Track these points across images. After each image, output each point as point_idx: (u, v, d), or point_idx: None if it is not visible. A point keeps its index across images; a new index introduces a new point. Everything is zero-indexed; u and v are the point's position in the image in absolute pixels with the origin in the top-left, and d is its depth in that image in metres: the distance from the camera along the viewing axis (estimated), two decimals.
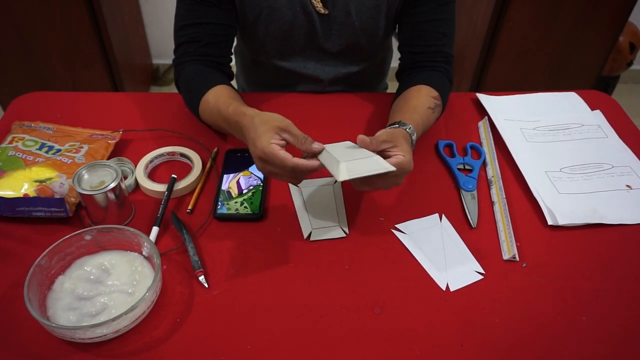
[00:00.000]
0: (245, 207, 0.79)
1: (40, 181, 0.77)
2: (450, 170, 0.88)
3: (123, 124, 0.94)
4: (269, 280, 0.70)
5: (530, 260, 0.74)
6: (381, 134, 0.72)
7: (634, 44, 2.16)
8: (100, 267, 0.68)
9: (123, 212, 0.76)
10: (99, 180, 0.73)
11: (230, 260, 0.72)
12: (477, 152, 0.92)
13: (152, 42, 2.49)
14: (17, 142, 0.84)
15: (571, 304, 0.68)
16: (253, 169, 0.85)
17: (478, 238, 0.77)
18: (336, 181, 0.84)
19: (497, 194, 0.83)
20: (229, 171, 0.85)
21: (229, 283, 0.69)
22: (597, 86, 2.11)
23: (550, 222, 0.79)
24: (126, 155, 0.87)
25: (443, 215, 0.80)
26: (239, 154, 0.88)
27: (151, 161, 0.86)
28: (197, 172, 0.83)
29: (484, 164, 0.90)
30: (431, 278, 0.71)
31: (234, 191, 0.81)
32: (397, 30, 1.01)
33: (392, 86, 1.04)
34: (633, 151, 0.93)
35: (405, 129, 0.77)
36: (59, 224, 0.76)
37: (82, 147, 0.84)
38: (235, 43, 1.01)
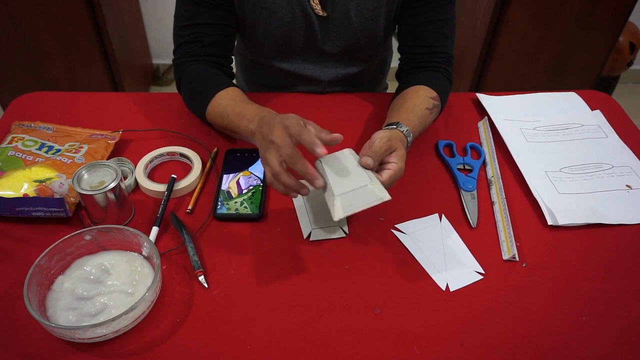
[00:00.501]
0: (245, 207, 0.79)
1: (40, 181, 0.77)
2: (450, 170, 0.88)
3: (123, 124, 0.94)
4: (269, 280, 0.70)
5: (530, 260, 0.74)
6: (379, 141, 0.73)
7: (634, 44, 2.16)
8: (100, 267, 0.68)
9: (123, 212, 0.76)
10: (99, 180, 0.73)
11: (230, 260, 0.72)
12: (477, 152, 0.92)
13: (152, 42, 2.49)
14: (16, 142, 0.84)
15: (571, 304, 0.68)
16: (253, 169, 0.85)
17: (478, 238, 0.77)
18: None
19: (497, 194, 0.83)
20: (228, 171, 0.85)
21: (229, 283, 0.69)
22: (597, 86, 2.11)
23: (550, 222, 0.79)
24: (126, 155, 0.87)
25: (443, 215, 0.80)
26: (238, 154, 0.88)
27: (151, 161, 0.86)
28: (197, 172, 0.83)
29: (484, 164, 0.90)
30: (431, 278, 0.71)
31: (234, 191, 0.81)
32: (396, 30, 1.01)
33: (392, 86, 1.04)
34: (633, 151, 0.93)
35: (402, 131, 0.78)
36: (59, 224, 0.76)
37: (81, 147, 0.84)
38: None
